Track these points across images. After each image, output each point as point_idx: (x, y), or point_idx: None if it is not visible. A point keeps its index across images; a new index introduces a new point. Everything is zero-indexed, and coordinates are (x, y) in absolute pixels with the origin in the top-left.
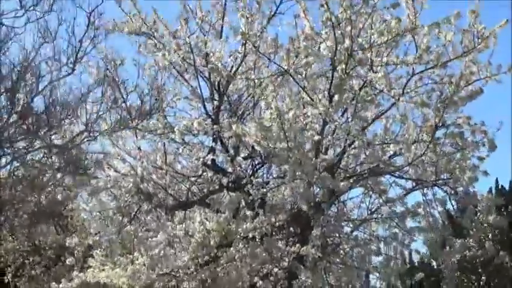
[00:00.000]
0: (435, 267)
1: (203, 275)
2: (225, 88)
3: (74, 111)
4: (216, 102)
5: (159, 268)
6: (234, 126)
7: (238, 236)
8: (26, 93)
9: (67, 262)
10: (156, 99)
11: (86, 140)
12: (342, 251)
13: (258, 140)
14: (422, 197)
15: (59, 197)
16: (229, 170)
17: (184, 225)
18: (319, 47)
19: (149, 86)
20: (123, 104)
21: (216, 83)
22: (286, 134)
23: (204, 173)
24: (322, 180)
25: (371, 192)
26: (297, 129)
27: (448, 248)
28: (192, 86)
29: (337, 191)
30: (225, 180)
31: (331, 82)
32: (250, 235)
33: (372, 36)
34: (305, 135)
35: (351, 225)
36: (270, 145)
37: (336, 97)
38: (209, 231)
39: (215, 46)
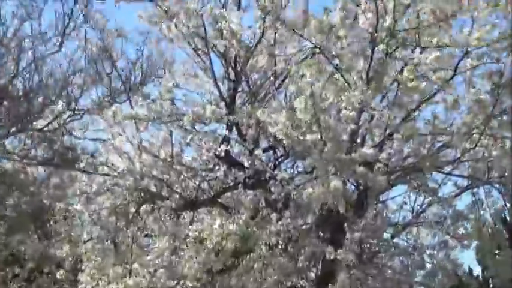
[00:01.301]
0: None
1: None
2: (243, 66)
3: (60, 92)
4: (231, 84)
5: (163, 280)
6: (257, 112)
7: (259, 242)
8: (5, 74)
9: (57, 276)
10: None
11: (69, 119)
12: (379, 261)
13: (285, 130)
14: (472, 197)
15: (45, 197)
16: (247, 163)
17: (193, 229)
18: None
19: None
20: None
21: (232, 60)
22: (321, 124)
23: (217, 167)
24: (360, 176)
25: (416, 192)
26: (331, 119)
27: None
28: (204, 62)
29: (376, 189)
30: (241, 176)
31: (370, 63)
32: (274, 240)
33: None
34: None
35: (392, 231)
36: (299, 136)
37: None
38: (225, 236)
39: (231, 17)
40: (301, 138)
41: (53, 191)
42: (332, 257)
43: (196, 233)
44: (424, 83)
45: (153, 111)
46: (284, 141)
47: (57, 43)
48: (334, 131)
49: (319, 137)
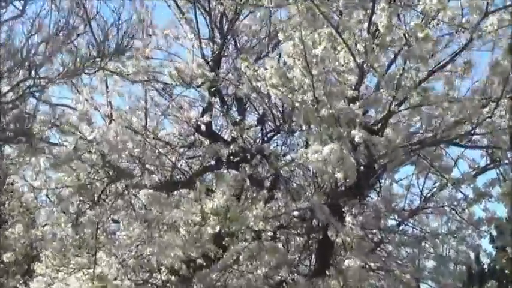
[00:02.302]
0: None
1: (194, 282)
2: (230, 25)
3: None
4: (216, 46)
5: (134, 273)
6: (243, 66)
7: (244, 227)
8: None
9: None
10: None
11: (30, 90)
12: (383, 252)
13: (278, 87)
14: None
15: None
16: (231, 137)
17: (168, 213)
18: None
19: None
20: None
21: (218, 18)
22: (314, 79)
23: (196, 142)
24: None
25: (426, 172)
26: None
27: None
28: (186, 19)
29: (379, 168)
30: (224, 152)
31: (371, 15)
32: (261, 226)
33: None
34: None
35: (397, 217)
36: (291, 95)
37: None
38: (204, 218)
39: None
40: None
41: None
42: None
43: (172, 218)
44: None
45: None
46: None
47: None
48: (331, 87)
49: (312, 94)
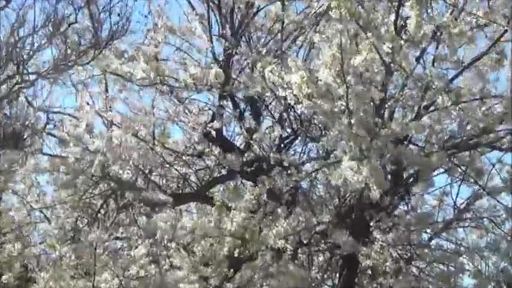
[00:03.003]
0: None
1: None
2: (242, 20)
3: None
4: (227, 43)
5: None
6: (266, 71)
7: (263, 246)
8: None
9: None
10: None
11: (18, 86)
12: (414, 269)
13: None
14: None
15: None
16: (245, 145)
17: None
18: None
19: None
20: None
21: (229, 13)
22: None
23: (206, 150)
24: (408, 156)
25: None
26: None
27: None
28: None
29: (408, 177)
30: (236, 162)
31: (398, 8)
32: (280, 244)
33: None
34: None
35: (429, 231)
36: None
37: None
38: (218, 239)
39: None
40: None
41: None
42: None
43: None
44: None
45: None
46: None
47: None
48: (362, 98)
49: (344, 104)
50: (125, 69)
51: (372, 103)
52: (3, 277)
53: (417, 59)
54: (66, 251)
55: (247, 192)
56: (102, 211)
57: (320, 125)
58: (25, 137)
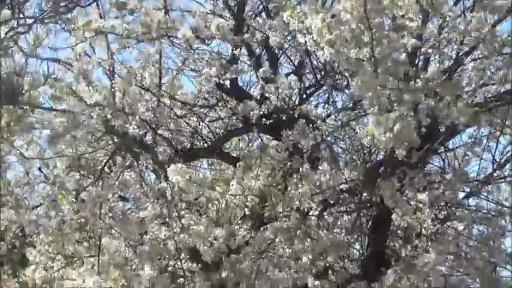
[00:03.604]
0: None
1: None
2: None
3: None
4: None
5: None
6: (285, 15)
7: (286, 209)
8: None
9: None
10: None
11: (14, 32)
12: (452, 231)
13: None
14: None
15: None
16: (261, 95)
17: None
18: None
19: None
20: None
21: None
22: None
23: (220, 103)
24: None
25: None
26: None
27: None
28: None
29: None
30: (253, 114)
31: None
32: (306, 205)
33: None
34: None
35: (467, 189)
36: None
37: None
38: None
39: None
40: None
41: None
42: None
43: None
44: None
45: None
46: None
47: None
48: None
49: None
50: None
51: (403, 50)
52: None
53: (455, 3)
54: (68, 212)
55: (269, 147)
56: (107, 169)
57: (345, 74)
58: (23, 90)
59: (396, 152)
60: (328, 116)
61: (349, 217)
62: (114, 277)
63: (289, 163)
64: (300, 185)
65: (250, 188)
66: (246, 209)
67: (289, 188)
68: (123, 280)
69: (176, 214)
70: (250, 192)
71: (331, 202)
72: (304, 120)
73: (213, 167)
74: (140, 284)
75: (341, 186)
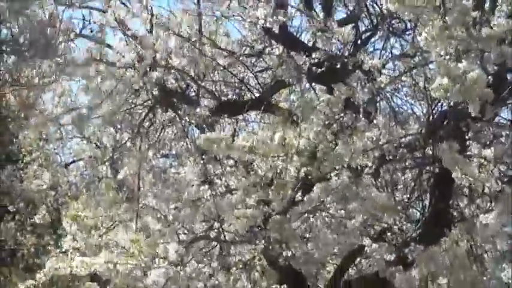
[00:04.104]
0: None
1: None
2: None
3: None
4: None
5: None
6: None
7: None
8: None
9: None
10: None
11: None
12: None
13: None
14: None
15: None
16: (313, 42)
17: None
18: None
19: None
20: None
21: None
22: None
23: (268, 49)
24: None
25: None
26: None
27: None
28: None
29: None
30: (304, 62)
31: None
32: (359, 161)
33: None
34: None
35: None
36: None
37: None
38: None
39: None
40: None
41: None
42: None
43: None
44: None
45: None
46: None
47: None
48: None
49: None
50: None
51: None
52: (38, 216)
53: None
54: (105, 171)
55: (320, 100)
56: (146, 124)
57: (406, 19)
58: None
59: (465, 105)
60: (385, 64)
61: (409, 174)
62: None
63: (341, 118)
64: (351, 141)
65: (294, 147)
66: (291, 169)
67: (339, 144)
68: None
69: (220, 173)
70: (295, 151)
71: (389, 158)
72: (359, 71)
73: (262, 121)
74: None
75: (400, 141)
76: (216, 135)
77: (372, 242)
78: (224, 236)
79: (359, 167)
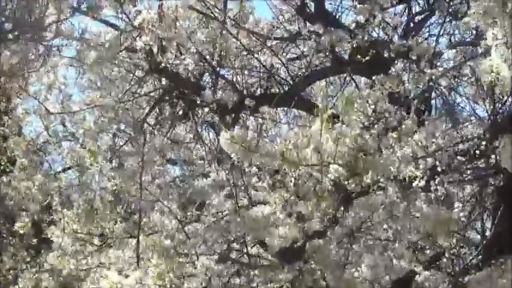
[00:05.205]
0: None
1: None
2: None
3: None
4: None
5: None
6: None
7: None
8: None
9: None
10: None
11: None
12: None
13: None
14: None
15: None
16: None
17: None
18: None
19: None
20: None
21: None
22: None
23: (302, 32)
24: None
25: None
26: None
27: None
28: None
29: None
30: (345, 49)
31: None
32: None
33: None
34: None
35: None
36: None
37: None
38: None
39: None
40: None
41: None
42: None
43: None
44: None
45: None
46: None
47: None
48: None
49: None
50: None
51: None
52: (16, 225)
53: None
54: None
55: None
56: (151, 120)
57: None
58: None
59: None
60: (440, 54)
61: (468, 188)
62: (157, 267)
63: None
64: (398, 147)
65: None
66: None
67: (384, 151)
68: (170, 273)
69: (244, 183)
70: (332, 159)
71: (442, 168)
72: (406, 60)
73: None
74: (193, 277)
75: (457, 147)
76: (243, 135)
77: (423, 269)
78: (249, 258)
79: (407, 178)
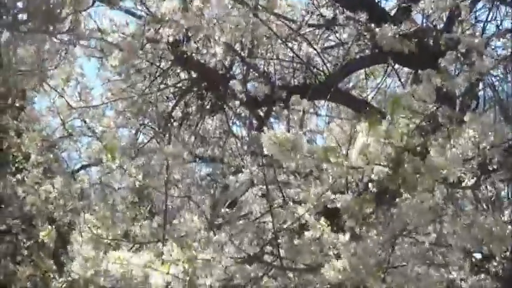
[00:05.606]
0: None
1: None
2: None
3: None
4: None
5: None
6: None
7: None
8: None
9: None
10: None
11: None
12: None
13: None
14: None
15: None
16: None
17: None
18: None
19: None
20: None
21: None
22: None
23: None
24: None
25: None
26: None
27: None
28: None
29: None
30: (387, 37)
31: None
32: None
33: None
34: None
35: None
36: None
37: None
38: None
39: None
40: None
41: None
42: None
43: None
44: None
45: None
46: None
47: None
48: None
49: None
50: None
51: None
52: (43, 233)
53: None
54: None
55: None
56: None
57: None
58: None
59: None
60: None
61: None
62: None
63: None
64: (447, 147)
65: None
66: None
67: (431, 151)
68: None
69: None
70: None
71: (493, 167)
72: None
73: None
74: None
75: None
76: (287, 135)
77: (470, 274)
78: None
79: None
